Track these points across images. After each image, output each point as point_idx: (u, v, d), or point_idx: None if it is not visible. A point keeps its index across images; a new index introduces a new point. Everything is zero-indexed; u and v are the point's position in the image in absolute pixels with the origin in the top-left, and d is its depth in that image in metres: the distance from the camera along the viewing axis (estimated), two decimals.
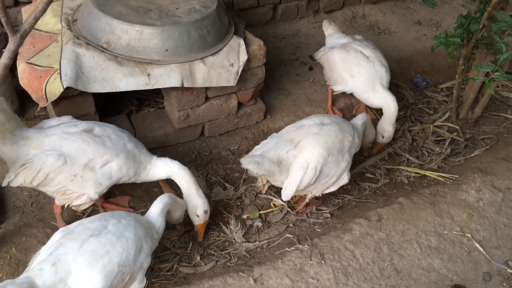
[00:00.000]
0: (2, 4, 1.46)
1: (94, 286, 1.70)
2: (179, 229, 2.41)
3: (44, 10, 1.56)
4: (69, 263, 1.69)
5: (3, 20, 1.51)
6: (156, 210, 2.06)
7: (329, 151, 2.31)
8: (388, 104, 2.82)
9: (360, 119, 2.63)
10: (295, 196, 2.35)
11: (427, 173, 2.87)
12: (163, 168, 2.27)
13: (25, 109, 2.98)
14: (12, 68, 2.28)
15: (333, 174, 2.35)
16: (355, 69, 2.91)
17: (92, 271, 1.70)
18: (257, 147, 2.41)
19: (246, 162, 2.17)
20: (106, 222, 1.85)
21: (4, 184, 2.04)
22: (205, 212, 2.28)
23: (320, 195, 2.46)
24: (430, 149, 3.08)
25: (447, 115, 3.32)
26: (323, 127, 2.37)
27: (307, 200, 2.48)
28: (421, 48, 3.90)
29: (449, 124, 3.25)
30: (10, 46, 1.61)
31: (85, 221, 1.87)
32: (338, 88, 3.04)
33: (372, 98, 2.89)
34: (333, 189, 2.43)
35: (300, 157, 2.28)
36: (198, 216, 2.29)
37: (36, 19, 1.58)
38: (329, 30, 3.32)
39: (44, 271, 1.66)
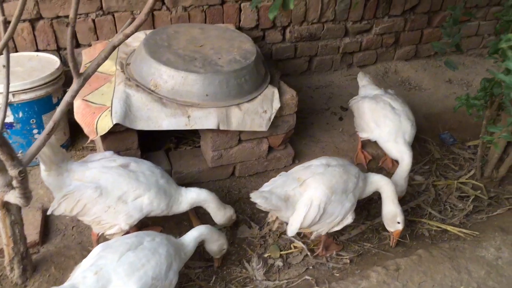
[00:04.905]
0: (71, 51, 1.71)
1: None
2: (216, 265, 2.56)
3: (105, 58, 1.79)
4: (109, 273, 1.85)
5: (71, 65, 1.74)
6: (191, 235, 2.26)
7: (333, 190, 2.40)
8: (403, 157, 2.92)
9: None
10: (314, 238, 2.45)
11: (448, 227, 2.92)
12: (194, 197, 2.45)
13: (75, 140, 3.27)
14: None
15: (338, 213, 2.44)
16: (381, 119, 3.07)
17: (129, 281, 1.86)
18: (266, 183, 2.52)
19: (255, 197, 2.30)
20: (141, 239, 2.03)
21: (48, 213, 2.25)
22: (233, 217, 2.66)
23: (326, 234, 2.52)
24: (453, 205, 3.14)
25: (472, 172, 3.38)
26: (329, 168, 2.49)
27: (312, 238, 2.55)
28: (450, 106, 4.01)
29: (474, 182, 3.30)
30: (74, 86, 1.83)
31: (122, 237, 2.06)
32: (364, 135, 3.21)
33: (391, 148, 3.02)
34: (338, 228, 2.50)
35: (305, 195, 2.39)
36: (230, 222, 2.67)
37: (98, 65, 1.81)
38: (363, 81, 3.53)
39: (87, 278, 1.82)
